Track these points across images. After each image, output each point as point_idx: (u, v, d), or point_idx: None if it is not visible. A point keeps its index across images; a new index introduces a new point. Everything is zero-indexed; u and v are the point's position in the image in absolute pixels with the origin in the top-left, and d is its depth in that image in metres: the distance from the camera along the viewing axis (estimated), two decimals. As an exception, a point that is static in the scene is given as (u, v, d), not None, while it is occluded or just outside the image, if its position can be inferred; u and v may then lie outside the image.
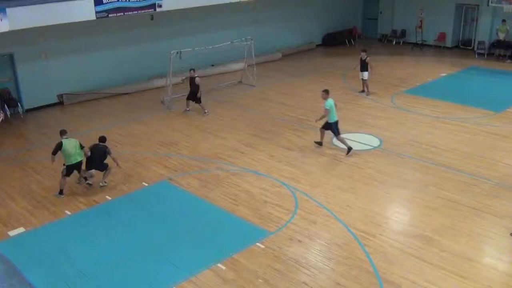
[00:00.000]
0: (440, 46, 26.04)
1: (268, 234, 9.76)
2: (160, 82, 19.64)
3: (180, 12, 19.23)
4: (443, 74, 21.25)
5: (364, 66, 17.95)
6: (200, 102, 16.70)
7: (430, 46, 26.18)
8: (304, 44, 26.54)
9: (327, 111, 13.16)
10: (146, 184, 11.99)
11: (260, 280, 8.45)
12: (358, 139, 14.25)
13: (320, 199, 11.02)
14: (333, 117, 13.29)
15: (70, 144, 11.31)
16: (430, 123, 15.43)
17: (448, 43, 26.02)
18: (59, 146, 11.24)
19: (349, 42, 27.77)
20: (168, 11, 18.55)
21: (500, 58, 23.42)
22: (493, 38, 24.04)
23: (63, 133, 11.64)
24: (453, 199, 10.90)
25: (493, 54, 23.91)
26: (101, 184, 11.85)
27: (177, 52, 17.22)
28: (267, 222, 10.18)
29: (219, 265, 8.85)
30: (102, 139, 11.96)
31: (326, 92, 13.39)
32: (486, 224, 9.97)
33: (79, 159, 11.43)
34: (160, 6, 17.86)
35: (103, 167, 11.84)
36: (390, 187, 11.62)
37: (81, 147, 11.50)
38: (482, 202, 10.73)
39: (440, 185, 11.54)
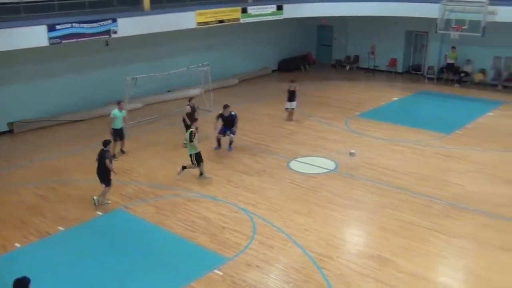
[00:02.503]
0: (391, 72, 26.85)
1: (226, 260, 9.65)
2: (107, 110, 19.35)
3: (135, 38, 19.16)
4: (395, 98, 21.86)
5: (292, 96, 18.16)
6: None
7: (382, 71, 26.96)
8: (260, 69, 26.84)
9: None
10: (101, 213, 11.69)
11: (218, 308, 8.33)
12: (314, 163, 14.41)
13: (278, 224, 11.01)
14: None
15: None
16: (384, 146, 15.78)
17: (399, 69, 26.87)
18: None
19: (304, 68, 28.26)
20: (124, 37, 18.44)
21: (448, 82, 24.34)
22: (442, 63, 25.02)
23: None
24: (408, 220, 11.12)
25: (442, 78, 24.84)
26: (95, 199, 11.85)
27: (133, 78, 17.08)
28: (225, 248, 10.08)
29: (176, 294, 8.68)
30: (104, 143, 11.93)
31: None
32: (440, 243, 10.20)
33: None
34: (115, 32, 17.74)
35: (104, 179, 11.81)
36: (347, 209, 11.75)
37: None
38: (436, 222, 10.99)
39: (395, 206, 11.76)
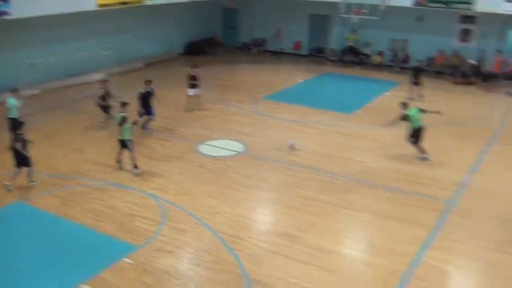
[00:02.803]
0: (296, 54, 27.52)
1: (136, 248, 9.50)
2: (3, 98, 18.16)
3: (32, 20, 17.99)
4: (300, 81, 22.48)
5: (195, 82, 17.32)
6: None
7: (288, 54, 27.55)
8: (166, 52, 26.39)
9: None
10: (-1, 206, 11.03)
11: (128, 296, 8.21)
12: (223, 146, 14.51)
13: (188, 208, 11.00)
14: None
15: None
16: (290, 127, 16.22)
17: (304, 51, 27.61)
18: None
19: (210, 51, 28.16)
20: (19, 19, 17.25)
21: (350, 64, 25.41)
22: (344, 46, 26.03)
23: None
24: (314, 197, 11.56)
25: (344, 60, 25.87)
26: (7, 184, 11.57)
27: (30, 63, 16.09)
28: (134, 235, 9.91)
29: (83, 286, 8.41)
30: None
31: None
32: (345, 218, 10.74)
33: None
34: (8, 13, 16.54)
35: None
36: (256, 190, 11.99)
37: None
38: (340, 198, 11.52)
39: (302, 185, 12.17)
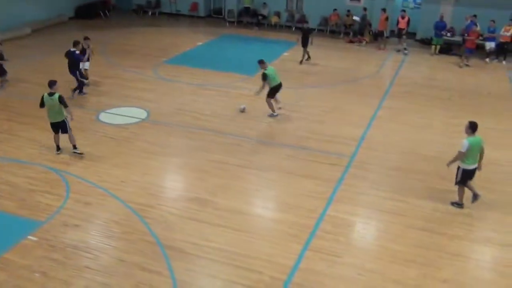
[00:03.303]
0: (194, 16, 27.04)
1: (39, 224, 9.07)
2: None
3: None
4: (200, 43, 22.20)
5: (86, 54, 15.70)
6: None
7: (184, 16, 26.97)
8: (55, 17, 24.74)
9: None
10: None
11: (36, 275, 7.87)
12: (125, 113, 14.08)
13: (94, 179, 10.64)
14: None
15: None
16: (193, 91, 16.07)
17: (201, 13, 27.19)
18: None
19: (104, 14, 26.85)
20: None
21: (248, 25, 25.47)
22: (241, 7, 25.97)
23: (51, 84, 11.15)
24: (221, 160, 11.65)
25: (242, 22, 25.86)
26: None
27: None
28: (36, 212, 9.44)
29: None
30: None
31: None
32: (252, 178, 10.97)
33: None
34: None
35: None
36: (162, 156, 11.84)
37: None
38: (246, 159, 11.72)
39: (208, 149, 12.20)
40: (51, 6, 24.49)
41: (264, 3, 25.51)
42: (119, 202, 9.87)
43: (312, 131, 13.35)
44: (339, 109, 14.91)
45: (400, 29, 21.47)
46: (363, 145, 12.62)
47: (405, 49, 21.53)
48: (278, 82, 14.04)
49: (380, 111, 14.90)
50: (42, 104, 11.25)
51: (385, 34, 22.07)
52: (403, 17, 21.29)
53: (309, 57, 19.65)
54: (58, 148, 11.73)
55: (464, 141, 9.44)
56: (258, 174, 11.12)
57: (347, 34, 23.85)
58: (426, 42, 22.71)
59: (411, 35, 23.02)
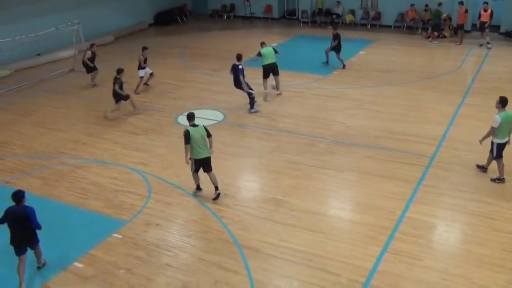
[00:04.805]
0: (268, 18, 27.21)
1: (124, 223, 9.48)
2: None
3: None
4: (274, 44, 22.20)
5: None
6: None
7: (259, 18, 27.21)
8: (136, 24, 25.82)
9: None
10: (-21, 192, 10.82)
11: (121, 271, 8.22)
12: (202, 115, 14.39)
13: (172, 180, 10.97)
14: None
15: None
16: (268, 92, 16.12)
17: (275, 14, 27.31)
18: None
19: (181, 19, 27.68)
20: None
21: (322, 25, 25.26)
22: (314, 7, 25.83)
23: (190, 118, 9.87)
24: (296, 160, 11.62)
25: (315, 22, 25.70)
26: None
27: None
28: (121, 211, 9.88)
29: (75, 264, 8.42)
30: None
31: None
32: (328, 179, 10.84)
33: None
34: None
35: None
36: (238, 157, 11.99)
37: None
38: (322, 160, 11.61)
39: (283, 149, 12.21)
40: (132, 14, 25.60)
41: (338, 2, 25.19)
42: (197, 202, 10.10)
43: (391, 130, 12.99)
44: (419, 107, 14.40)
45: (482, 22, 20.38)
46: (444, 144, 12.11)
47: (488, 43, 20.44)
48: (269, 62, 15.14)
49: (462, 108, 14.24)
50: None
51: (464, 28, 21.07)
52: (485, 10, 20.20)
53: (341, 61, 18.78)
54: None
55: (496, 117, 10.02)
56: (334, 175, 10.98)
57: (425, 29, 23.00)
58: (510, 35, 21.42)
59: (495, 28, 21.80)
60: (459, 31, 21.38)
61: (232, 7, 28.07)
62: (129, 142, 12.85)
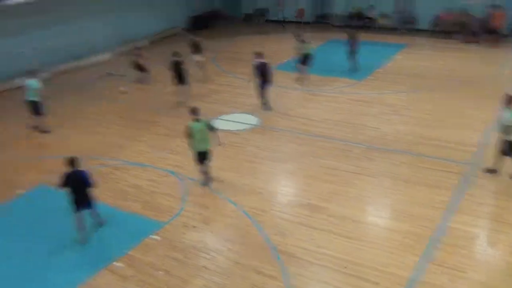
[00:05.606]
0: (300, 22, 27.20)
1: (161, 224, 9.64)
2: (21, 81, 18.07)
3: (32, 4, 17.84)
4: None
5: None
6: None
7: (291, 22, 27.23)
8: (170, 29, 26.17)
9: None
10: (21, 192, 11.15)
11: (160, 272, 8.36)
12: (236, 119, 14.52)
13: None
14: None
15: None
16: (302, 97, 16.18)
17: (308, 18, 27.28)
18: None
19: (214, 24, 27.90)
20: (18, 4, 17.13)
21: (355, 29, 25.07)
22: (347, 12, 25.70)
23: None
24: (332, 166, 11.60)
25: (348, 26, 25.53)
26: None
27: (34, 48, 16.03)
28: (159, 213, 10.05)
29: (115, 263, 8.60)
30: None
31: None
32: (364, 185, 10.78)
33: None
34: (4, -1, 16.49)
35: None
36: (273, 162, 12.04)
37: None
38: (357, 165, 11.56)
39: (318, 154, 12.20)
40: (167, 19, 25.96)
41: (371, 6, 25.02)
42: (233, 206, 10.19)
43: (427, 136, 12.84)
44: (457, 113, 14.19)
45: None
46: (484, 152, 11.90)
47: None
48: (310, 52, 17.09)
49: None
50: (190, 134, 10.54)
51: (502, 32, 20.65)
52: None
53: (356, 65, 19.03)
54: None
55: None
56: (370, 181, 10.92)
57: (461, 33, 22.62)
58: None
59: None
60: (496, 35, 20.97)
61: (265, 11, 28.16)
62: (165, 145, 13.04)
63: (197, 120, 10.46)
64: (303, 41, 17.19)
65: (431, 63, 19.22)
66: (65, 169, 9.01)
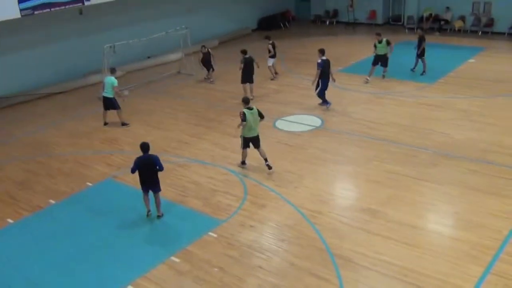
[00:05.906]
0: (371, 24, 26.68)
1: (219, 222, 9.75)
2: (96, 78, 19.02)
3: (110, 4, 18.70)
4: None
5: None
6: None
7: (362, 24, 26.76)
8: (240, 29, 26.48)
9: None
10: (90, 184, 11.67)
11: (215, 269, 8.45)
12: (300, 120, 14.44)
13: (268, 183, 11.10)
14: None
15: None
16: (368, 100, 15.83)
17: (379, 20, 26.71)
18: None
19: (284, 25, 27.95)
20: (98, 4, 17.99)
21: (429, 31, 24.27)
22: (421, 13, 24.91)
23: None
24: (394, 171, 11.26)
25: (421, 28, 24.73)
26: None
27: (111, 46, 16.74)
28: (217, 210, 10.17)
29: (172, 258, 8.78)
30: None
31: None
32: (428, 191, 10.39)
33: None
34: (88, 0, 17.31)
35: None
36: (334, 164, 11.86)
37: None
38: (422, 171, 11.15)
39: (381, 158, 11.89)
40: (237, 20, 26.31)
41: (447, 8, 24.09)
42: (292, 207, 10.13)
43: (500, 144, 12.17)
44: (533, 121, 13.37)
45: None
46: (561, 162, 11.14)
47: None
48: (383, 52, 17.27)
49: None
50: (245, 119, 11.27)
51: None
52: None
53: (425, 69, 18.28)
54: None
55: None
56: (435, 188, 10.49)
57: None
58: None
59: None
60: None
61: (335, 12, 27.86)
62: (227, 144, 13.19)
63: (250, 108, 11.36)
64: (380, 42, 17.34)
65: (509, 67, 18.21)
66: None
